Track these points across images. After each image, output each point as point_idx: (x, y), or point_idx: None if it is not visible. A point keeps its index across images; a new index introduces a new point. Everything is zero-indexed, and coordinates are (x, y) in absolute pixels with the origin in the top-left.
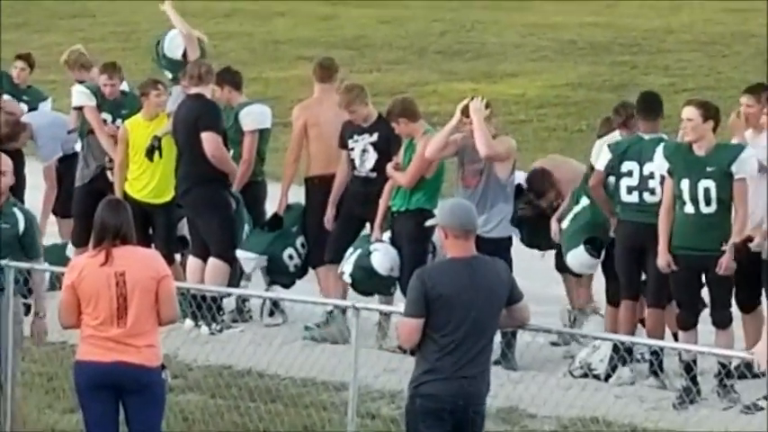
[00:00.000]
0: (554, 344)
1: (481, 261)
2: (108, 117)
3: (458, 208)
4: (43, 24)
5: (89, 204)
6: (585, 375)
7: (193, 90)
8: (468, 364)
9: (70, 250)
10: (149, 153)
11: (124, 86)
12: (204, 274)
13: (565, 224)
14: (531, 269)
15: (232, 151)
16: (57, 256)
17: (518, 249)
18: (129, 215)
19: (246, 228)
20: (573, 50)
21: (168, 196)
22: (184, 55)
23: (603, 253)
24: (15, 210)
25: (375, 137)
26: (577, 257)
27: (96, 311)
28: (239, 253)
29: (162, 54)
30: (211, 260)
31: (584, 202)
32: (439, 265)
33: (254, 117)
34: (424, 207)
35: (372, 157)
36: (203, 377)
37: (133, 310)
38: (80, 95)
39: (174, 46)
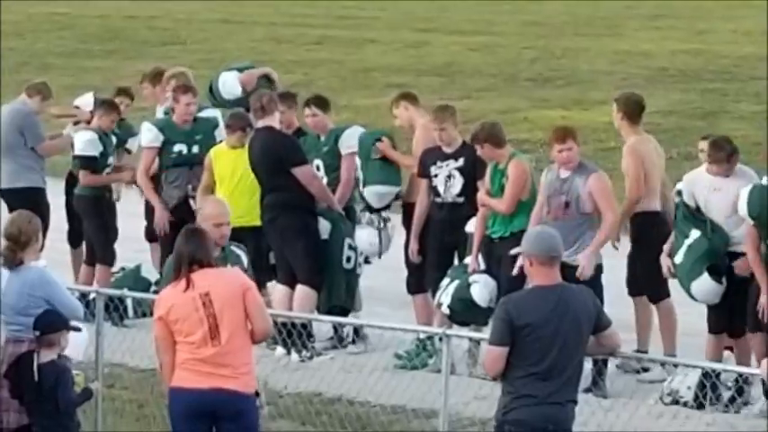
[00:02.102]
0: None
1: (567, 289)
2: (183, 148)
3: (542, 235)
4: (134, 52)
5: (172, 233)
6: (676, 402)
7: (260, 123)
8: (556, 390)
9: (146, 271)
10: None
11: (208, 112)
12: (292, 302)
13: (678, 259)
14: (621, 297)
15: (326, 178)
16: (132, 279)
17: (608, 277)
18: (203, 241)
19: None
20: (664, 78)
21: (256, 220)
22: (244, 90)
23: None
24: (233, 248)
25: (461, 162)
26: (702, 287)
27: (189, 336)
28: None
29: (221, 99)
30: (299, 287)
31: (695, 233)
32: (524, 294)
33: (356, 139)
34: (524, 229)
35: (459, 182)
36: (294, 404)
37: (225, 327)
38: (147, 134)
39: (228, 88)
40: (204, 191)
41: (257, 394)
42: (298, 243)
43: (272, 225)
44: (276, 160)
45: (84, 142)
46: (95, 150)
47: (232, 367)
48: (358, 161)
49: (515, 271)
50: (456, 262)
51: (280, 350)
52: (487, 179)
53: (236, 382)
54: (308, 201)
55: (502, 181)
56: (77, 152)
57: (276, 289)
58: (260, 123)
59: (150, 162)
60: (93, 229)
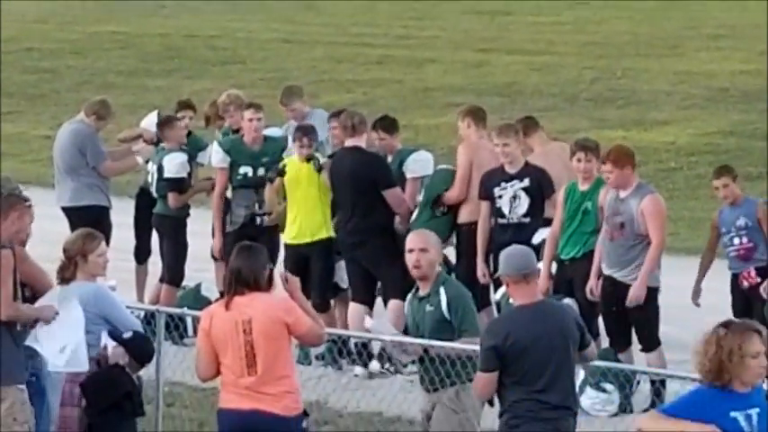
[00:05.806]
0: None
1: (548, 305)
2: (248, 170)
3: (511, 255)
4: (194, 71)
5: None
6: None
7: (349, 141)
8: (554, 403)
9: (206, 290)
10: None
11: (271, 131)
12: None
13: None
14: (682, 318)
15: None
16: (192, 298)
17: (668, 298)
18: (252, 260)
19: None
20: (724, 98)
21: (321, 235)
22: None
23: None
24: (441, 289)
25: (527, 182)
26: None
27: (228, 359)
28: None
29: None
30: (395, 302)
31: None
32: (508, 316)
33: (422, 164)
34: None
35: (525, 202)
36: (354, 424)
37: (262, 358)
38: (215, 155)
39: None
40: (272, 192)
41: (306, 414)
42: (393, 264)
43: (361, 250)
44: (368, 181)
45: (177, 165)
46: (185, 172)
47: (271, 393)
48: (421, 195)
49: (587, 292)
50: None
51: (375, 364)
52: (560, 199)
53: (277, 406)
54: (392, 222)
55: (585, 205)
56: (169, 175)
57: (352, 307)
58: (348, 142)
59: (224, 184)
60: (171, 249)
